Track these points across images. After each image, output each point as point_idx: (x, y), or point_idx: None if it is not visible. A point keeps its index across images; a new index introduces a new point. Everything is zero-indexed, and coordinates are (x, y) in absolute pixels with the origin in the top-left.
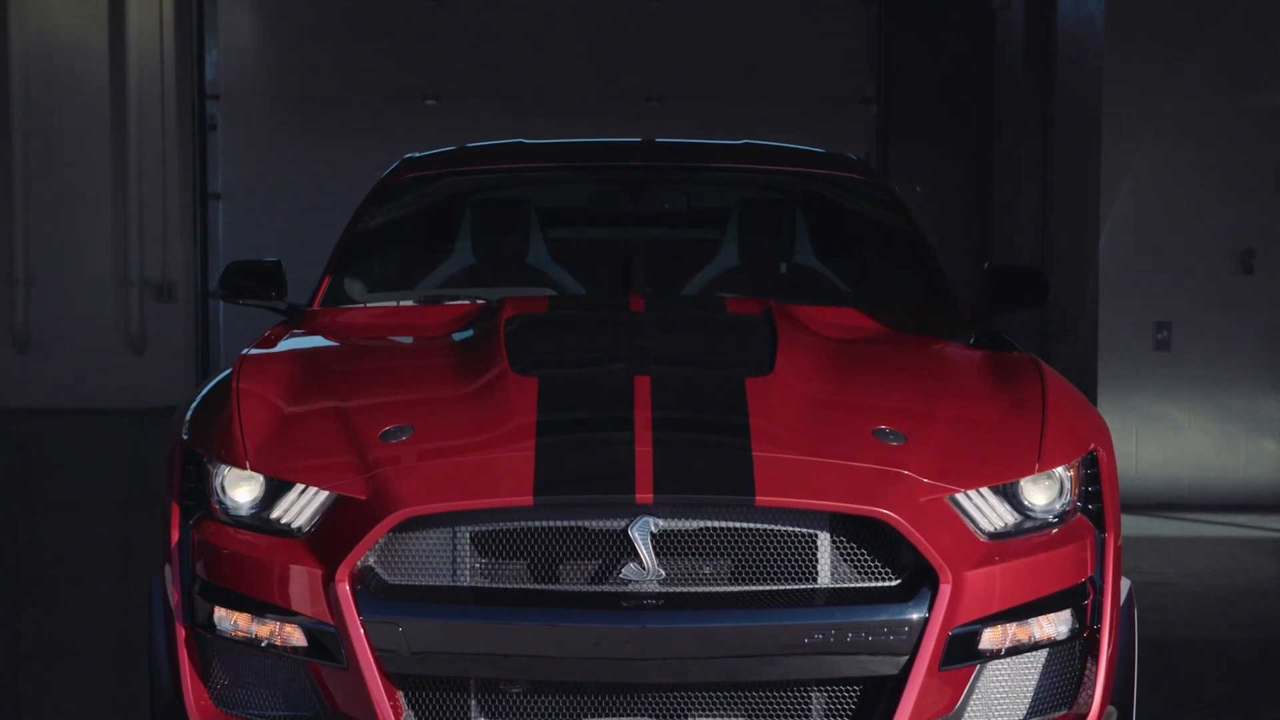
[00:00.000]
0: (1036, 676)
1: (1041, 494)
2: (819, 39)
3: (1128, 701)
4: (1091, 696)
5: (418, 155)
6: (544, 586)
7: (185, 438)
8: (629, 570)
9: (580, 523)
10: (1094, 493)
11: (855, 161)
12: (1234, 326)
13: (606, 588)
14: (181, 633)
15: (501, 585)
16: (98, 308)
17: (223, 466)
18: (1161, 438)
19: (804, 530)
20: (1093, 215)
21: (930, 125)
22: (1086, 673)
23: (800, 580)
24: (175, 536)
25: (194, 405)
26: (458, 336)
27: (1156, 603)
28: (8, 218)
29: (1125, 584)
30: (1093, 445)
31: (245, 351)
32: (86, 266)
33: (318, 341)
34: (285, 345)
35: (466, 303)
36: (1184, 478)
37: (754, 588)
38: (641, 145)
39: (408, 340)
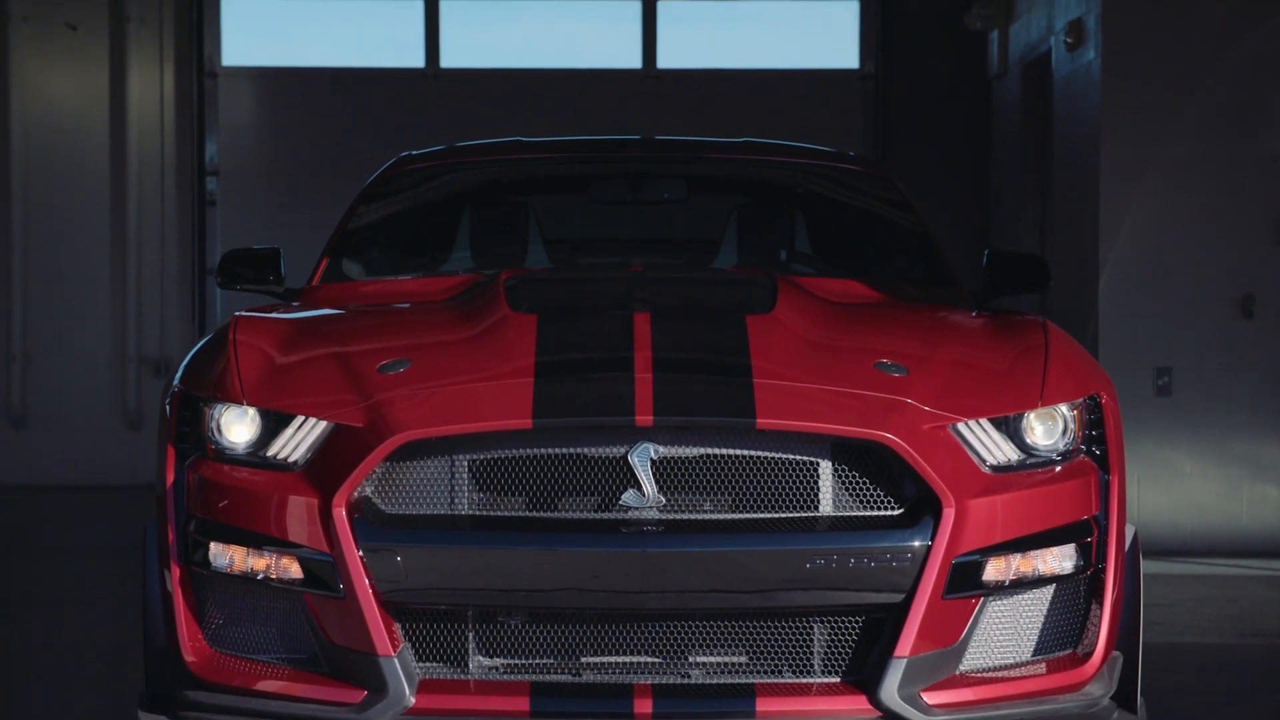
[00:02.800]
0: (1041, 615)
1: (1044, 433)
2: (815, 114)
3: (1133, 647)
4: (1096, 638)
5: (415, 152)
6: (543, 514)
7: (180, 386)
8: (629, 497)
9: (579, 449)
10: (1098, 436)
11: (854, 156)
12: (1235, 372)
13: (606, 515)
14: (176, 572)
15: (500, 514)
16: (94, 384)
17: (218, 405)
18: (1164, 483)
19: (805, 458)
20: (1092, 262)
21: (929, 195)
22: (1091, 614)
23: (801, 510)
24: (170, 478)
25: (188, 358)
26: (456, 297)
27: (1163, 618)
28: (6, 294)
29: (1130, 530)
30: (1096, 391)
31: (239, 313)
32: (83, 342)
33: (315, 307)
34: (281, 311)
35: (463, 275)
36: (1187, 524)
37: (755, 515)
38: (641, 141)
39: (405, 305)
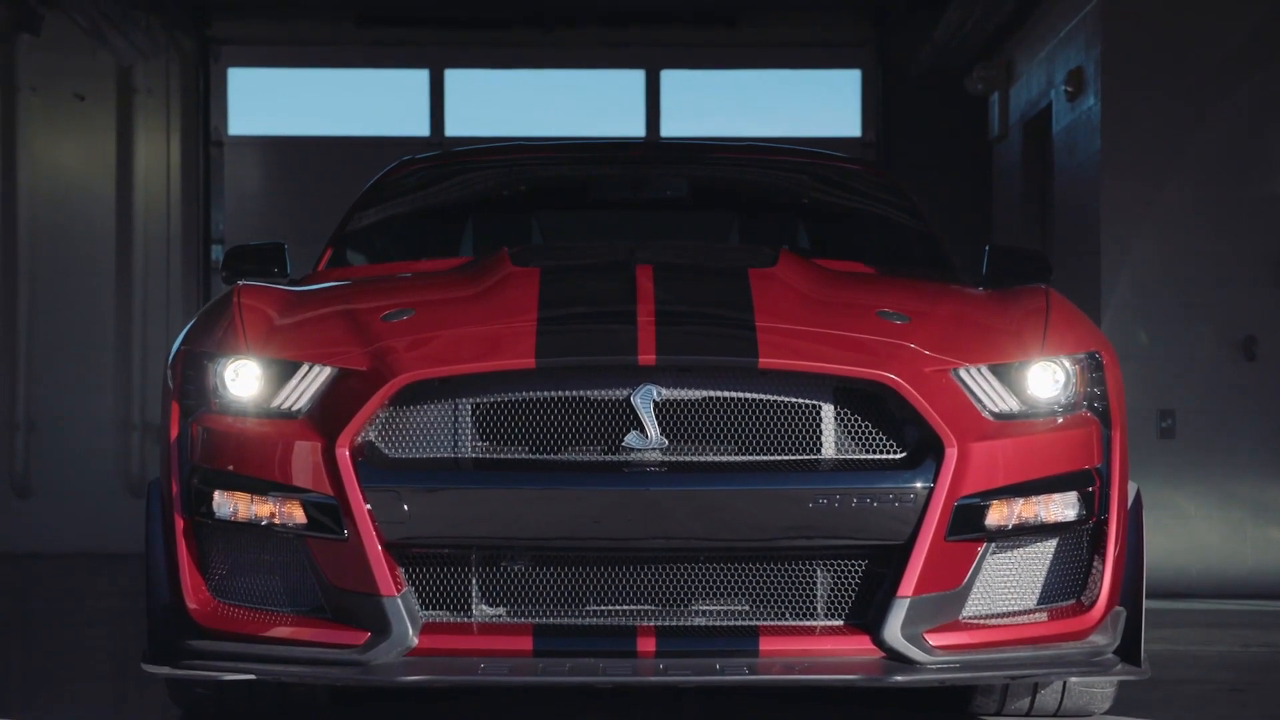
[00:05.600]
0: (1045, 564)
1: (1045, 384)
2: None
3: (1137, 604)
4: (1100, 588)
5: (418, 155)
6: (546, 456)
7: (184, 345)
8: (632, 439)
9: (582, 391)
10: (1099, 394)
11: (857, 157)
12: (1238, 414)
13: (609, 457)
14: (179, 523)
15: (503, 456)
16: (99, 452)
17: (221, 358)
18: (1168, 526)
19: (807, 401)
20: (1093, 305)
21: None
22: (1094, 565)
23: (804, 454)
24: (174, 433)
25: (191, 323)
26: (459, 267)
27: (1166, 636)
28: (11, 362)
29: (1133, 488)
30: (1097, 349)
31: (242, 283)
32: (88, 410)
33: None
34: (285, 286)
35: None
36: (1191, 567)
37: (758, 458)
38: (644, 142)
39: (408, 274)
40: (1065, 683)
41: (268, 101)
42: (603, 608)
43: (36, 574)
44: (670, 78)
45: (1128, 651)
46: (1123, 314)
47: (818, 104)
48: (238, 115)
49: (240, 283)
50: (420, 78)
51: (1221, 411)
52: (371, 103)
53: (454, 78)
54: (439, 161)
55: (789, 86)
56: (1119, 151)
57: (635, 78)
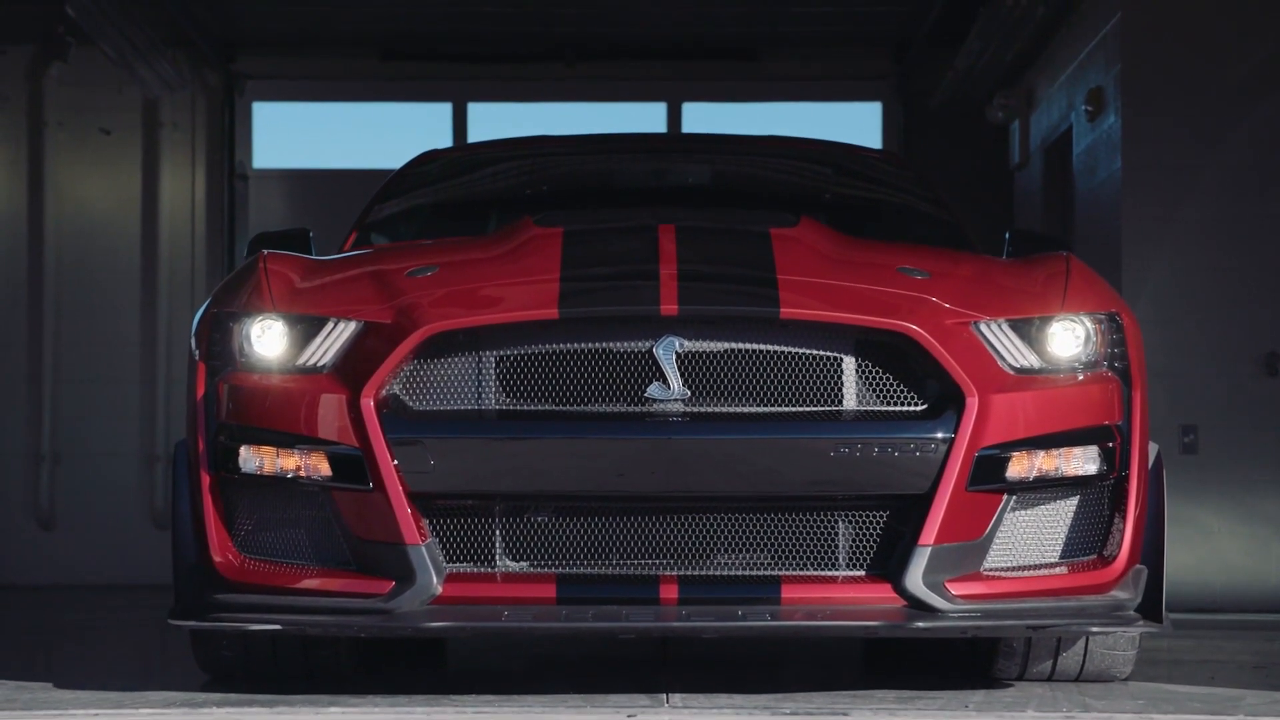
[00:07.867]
0: (1066, 519)
1: (1066, 341)
2: None
3: (1158, 563)
4: (1120, 544)
5: (440, 148)
6: (569, 408)
7: (212, 308)
8: (654, 390)
9: (605, 343)
10: (1119, 354)
11: (880, 149)
12: (1261, 429)
13: (632, 408)
14: (206, 480)
15: (526, 408)
16: (122, 483)
17: (247, 317)
18: (1191, 541)
19: (829, 354)
20: None
21: None
22: (1115, 521)
23: (826, 405)
24: (201, 391)
25: (218, 287)
26: (484, 236)
27: (1187, 637)
28: (36, 395)
29: (1154, 449)
30: (1117, 310)
31: (267, 251)
32: (112, 443)
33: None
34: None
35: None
36: (1215, 582)
37: (780, 409)
38: (667, 134)
39: (431, 242)
40: (1087, 646)
41: (292, 135)
42: (626, 560)
43: (60, 603)
44: (692, 110)
45: (1149, 609)
46: (1144, 329)
47: (839, 136)
48: (262, 149)
49: (266, 251)
50: (443, 111)
51: (1244, 427)
52: (395, 136)
53: (477, 111)
54: (462, 152)
55: (810, 119)
56: (1140, 168)
57: (657, 110)
